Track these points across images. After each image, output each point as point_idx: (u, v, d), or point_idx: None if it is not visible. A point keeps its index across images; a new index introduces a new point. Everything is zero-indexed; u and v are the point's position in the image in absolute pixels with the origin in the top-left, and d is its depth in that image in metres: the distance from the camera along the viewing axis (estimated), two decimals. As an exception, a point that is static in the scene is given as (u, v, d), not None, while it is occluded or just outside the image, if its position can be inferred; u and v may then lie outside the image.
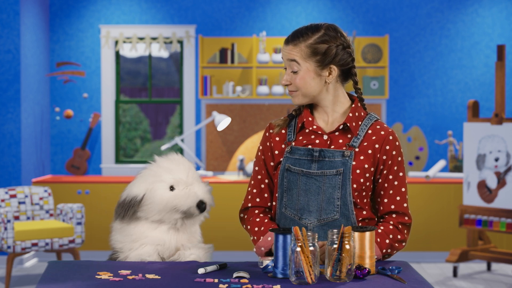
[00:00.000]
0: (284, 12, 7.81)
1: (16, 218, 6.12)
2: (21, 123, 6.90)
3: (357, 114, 2.54)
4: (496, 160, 6.38)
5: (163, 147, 7.62)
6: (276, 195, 2.57)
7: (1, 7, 6.85)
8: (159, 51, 7.88)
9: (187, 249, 2.68)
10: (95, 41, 7.83)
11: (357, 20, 7.79)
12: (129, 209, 2.67)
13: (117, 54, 7.94)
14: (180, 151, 7.99)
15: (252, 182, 2.65)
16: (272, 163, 2.60)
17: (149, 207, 2.66)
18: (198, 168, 7.89)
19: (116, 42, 7.85)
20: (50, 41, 7.83)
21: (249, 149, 7.77)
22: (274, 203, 2.60)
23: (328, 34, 2.48)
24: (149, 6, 7.82)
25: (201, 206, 2.65)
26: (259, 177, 2.63)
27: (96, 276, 2.26)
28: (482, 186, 6.46)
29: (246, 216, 2.66)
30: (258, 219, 2.60)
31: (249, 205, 2.65)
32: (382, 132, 2.53)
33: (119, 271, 2.33)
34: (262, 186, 2.63)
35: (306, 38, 2.47)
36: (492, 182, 6.41)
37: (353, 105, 2.55)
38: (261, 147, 2.64)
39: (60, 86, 7.84)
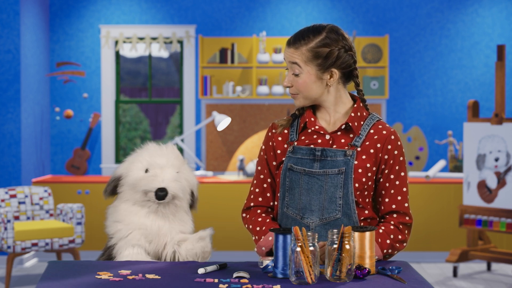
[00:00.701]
0: (284, 12, 7.81)
1: (16, 218, 6.12)
2: (21, 123, 6.90)
3: (359, 114, 2.54)
4: (496, 160, 6.38)
5: (163, 147, 7.62)
6: (278, 194, 2.57)
7: (1, 7, 6.85)
8: (159, 51, 7.88)
9: (188, 245, 2.67)
10: (95, 41, 7.83)
11: (357, 20, 7.79)
12: (108, 186, 2.77)
13: (117, 54, 7.95)
14: (180, 151, 7.99)
15: (255, 181, 2.66)
16: (274, 163, 2.61)
17: (125, 186, 2.73)
18: (198, 168, 7.89)
19: (116, 42, 7.85)
20: (50, 41, 7.83)
21: (249, 149, 7.77)
22: (276, 203, 2.61)
23: (329, 37, 2.48)
24: (149, 6, 7.82)
25: (158, 193, 2.65)
26: (262, 176, 2.64)
27: (96, 276, 2.26)
28: (482, 186, 6.46)
29: (248, 216, 2.66)
30: (260, 219, 2.60)
31: (252, 204, 2.65)
32: (384, 132, 2.53)
33: (119, 271, 2.33)
34: (265, 185, 2.63)
35: (307, 41, 2.47)
36: (492, 182, 6.41)
37: (355, 105, 2.55)
38: (263, 147, 2.65)
39: (60, 86, 7.84)
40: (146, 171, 2.72)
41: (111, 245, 2.72)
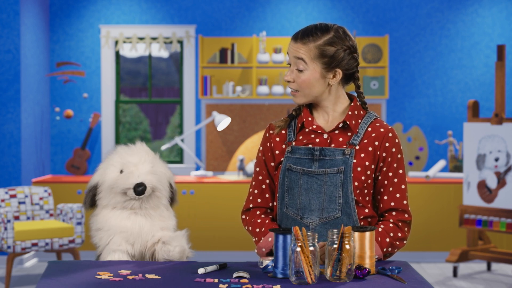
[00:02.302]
0: (284, 12, 7.81)
1: (16, 218, 6.12)
2: (21, 123, 6.90)
3: (356, 112, 2.54)
4: (496, 160, 6.38)
5: (163, 147, 7.62)
6: (277, 195, 2.57)
7: (1, 7, 6.85)
8: (159, 51, 7.88)
9: (169, 243, 2.66)
10: (95, 41, 7.83)
11: (357, 20, 7.79)
12: (87, 197, 2.75)
13: (117, 54, 7.95)
14: (180, 151, 7.99)
15: (254, 183, 2.66)
16: (272, 164, 2.61)
17: (102, 191, 2.71)
18: (198, 168, 7.89)
19: (116, 42, 7.85)
20: (50, 41, 7.83)
21: (249, 149, 7.77)
22: (275, 204, 2.60)
23: (337, 36, 2.47)
24: (149, 6, 7.82)
25: (136, 189, 2.65)
26: (260, 177, 2.64)
27: (96, 276, 2.26)
28: (482, 186, 6.46)
29: (247, 218, 2.66)
30: (259, 220, 2.60)
31: (251, 205, 2.65)
32: (382, 130, 2.53)
33: (119, 271, 2.33)
34: (263, 186, 2.63)
35: (315, 39, 2.47)
36: (492, 182, 6.41)
37: (352, 104, 2.56)
38: (261, 148, 2.64)
39: (60, 86, 7.84)
40: (121, 172, 2.72)
41: (98, 254, 2.72)
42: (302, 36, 2.48)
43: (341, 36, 2.48)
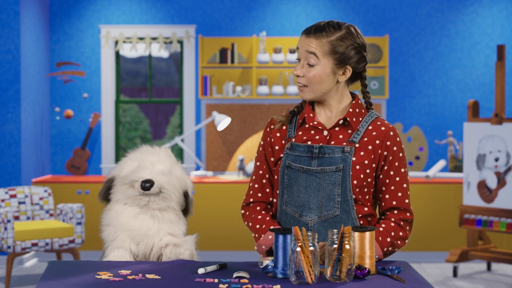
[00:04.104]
0: (284, 12, 7.81)
1: (16, 218, 6.12)
2: (21, 123, 6.90)
3: (357, 110, 2.54)
4: (496, 160, 6.38)
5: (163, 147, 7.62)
6: (277, 192, 2.57)
7: (1, 7, 6.85)
8: (159, 51, 7.88)
9: (179, 246, 2.67)
10: (95, 41, 7.83)
11: (357, 20, 7.79)
12: (102, 189, 2.77)
13: (117, 54, 7.94)
14: (180, 151, 7.99)
15: (254, 177, 2.65)
16: (272, 159, 2.61)
17: (116, 185, 2.73)
18: (198, 168, 7.89)
19: (116, 42, 7.85)
20: (50, 41, 7.83)
21: (249, 149, 7.77)
22: (275, 200, 2.60)
23: (349, 34, 2.48)
24: (149, 6, 7.82)
25: (143, 184, 2.65)
26: (261, 172, 2.63)
27: (96, 276, 2.26)
28: (482, 186, 6.46)
29: (248, 213, 2.66)
30: (260, 216, 2.60)
31: (251, 200, 2.65)
32: (383, 128, 2.53)
33: (119, 271, 2.33)
34: (264, 181, 2.63)
35: (328, 34, 2.46)
36: (492, 182, 6.41)
37: (354, 102, 2.56)
38: (262, 142, 2.64)
39: (60, 86, 7.84)
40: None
41: (104, 249, 2.73)
42: (315, 30, 2.47)
43: (353, 34, 2.48)
